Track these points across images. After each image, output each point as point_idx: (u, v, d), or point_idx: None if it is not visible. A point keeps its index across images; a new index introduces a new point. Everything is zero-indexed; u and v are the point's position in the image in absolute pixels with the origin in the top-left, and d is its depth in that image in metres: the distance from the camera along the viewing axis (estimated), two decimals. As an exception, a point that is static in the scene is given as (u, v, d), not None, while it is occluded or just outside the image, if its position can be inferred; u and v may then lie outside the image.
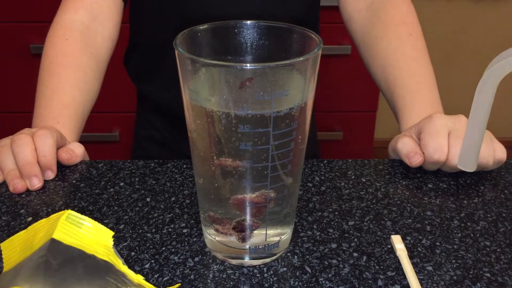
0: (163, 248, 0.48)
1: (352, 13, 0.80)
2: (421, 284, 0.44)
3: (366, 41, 0.77)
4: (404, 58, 0.72)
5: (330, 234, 0.50)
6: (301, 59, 0.38)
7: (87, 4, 0.75)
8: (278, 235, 0.46)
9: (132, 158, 0.97)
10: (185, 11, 0.78)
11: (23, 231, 0.42)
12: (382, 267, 0.46)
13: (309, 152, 0.96)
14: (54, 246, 0.39)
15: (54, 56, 0.72)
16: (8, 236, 0.46)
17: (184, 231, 0.51)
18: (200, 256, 0.47)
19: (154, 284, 0.44)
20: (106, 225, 0.51)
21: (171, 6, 0.79)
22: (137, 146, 0.96)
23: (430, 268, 0.46)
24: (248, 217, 0.43)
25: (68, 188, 0.58)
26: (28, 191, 0.57)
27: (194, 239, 0.49)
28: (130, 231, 0.51)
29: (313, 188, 0.58)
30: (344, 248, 0.49)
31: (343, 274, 0.45)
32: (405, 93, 0.69)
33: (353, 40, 0.82)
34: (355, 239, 0.50)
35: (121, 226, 0.51)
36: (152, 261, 0.47)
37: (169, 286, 0.44)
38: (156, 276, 0.45)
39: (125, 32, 0.86)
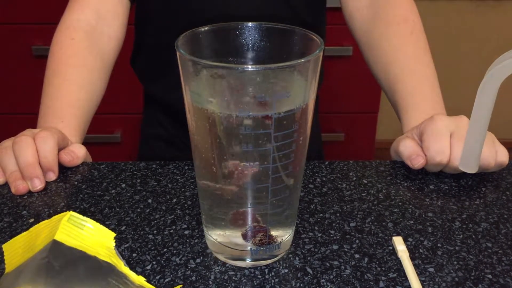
0: (165, 250, 0.48)
1: (353, 11, 0.80)
2: (423, 286, 0.44)
3: (367, 40, 0.77)
4: (405, 57, 0.71)
5: (331, 235, 0.50)
6: (302, 60, 0.38)
7: (93, 4, 0.75)
8: (280, 236, 0.46)
9: (139, 157, 0.97)
10: (191, 12, 0.78)
11: (25, 233, 0.42)
12: (383, 268, 0.46)
13: (313, 152, 0.96)
14: (56, 248, 0.39)
15: (60, 55, 0.72)
16: (10, 238, 0.46)
17: (186, 232, 0.51)
18: (201, 257, 0.47)
19: (155, 286, 0.44)
20: (107, 226, 0.51)
21: (177, 7, 0.79)
22: (144, 144, 0.96)
23: (431, 269, 0.46)
24: (249, 218, 0.43)
25: (70, 190, 0.58)
26: (30, 193, 0.57)
27: (196, 241, 0.50)
28: (132, 233, 0.51)
29: (314, 190, 0.58)
30: (346, 249, 0.49)
31: (345, 275, 0.45)
32: (406, 92, 0.69)
33: (354, 38, 0.81)
34: (357, 241, 0.50)
35: (123, 228, 0.51)
36: (154, 262, 0.47)
37: (170, 288, 0.44)
38: (157, 277, 0.45)
39: (130, 34, 0.86)
